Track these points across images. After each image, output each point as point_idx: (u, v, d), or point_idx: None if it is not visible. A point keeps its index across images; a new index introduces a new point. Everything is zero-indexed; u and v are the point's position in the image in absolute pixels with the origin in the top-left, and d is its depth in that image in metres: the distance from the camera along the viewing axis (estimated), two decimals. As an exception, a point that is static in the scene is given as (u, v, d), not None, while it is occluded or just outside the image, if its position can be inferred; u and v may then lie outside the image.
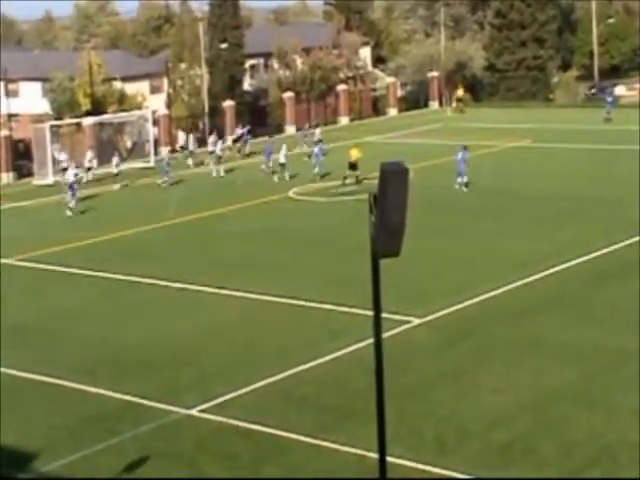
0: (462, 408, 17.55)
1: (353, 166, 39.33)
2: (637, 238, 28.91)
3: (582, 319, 22.27)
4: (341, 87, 65.98)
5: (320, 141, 46.89)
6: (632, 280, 25.03)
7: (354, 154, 39.60)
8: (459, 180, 37.60)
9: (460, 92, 66.92)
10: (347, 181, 39.41)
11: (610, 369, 19.19)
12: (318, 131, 50.08)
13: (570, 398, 17.87)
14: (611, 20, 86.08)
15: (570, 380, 18.68)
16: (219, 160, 45.35)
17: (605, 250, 27.92)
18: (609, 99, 55.09)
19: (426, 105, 70.44)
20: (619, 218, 31.78)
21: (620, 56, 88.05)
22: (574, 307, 23.22)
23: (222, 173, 44.81)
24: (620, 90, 73.41)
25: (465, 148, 38.02)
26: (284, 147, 42.97)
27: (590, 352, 20.13)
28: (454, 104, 65.96)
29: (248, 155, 50.14)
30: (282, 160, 42.41)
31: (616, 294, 24.03)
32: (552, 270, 26.15)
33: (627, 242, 28.65)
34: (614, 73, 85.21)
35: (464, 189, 37.20)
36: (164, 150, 54.18)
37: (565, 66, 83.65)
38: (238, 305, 24.80)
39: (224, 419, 17.55)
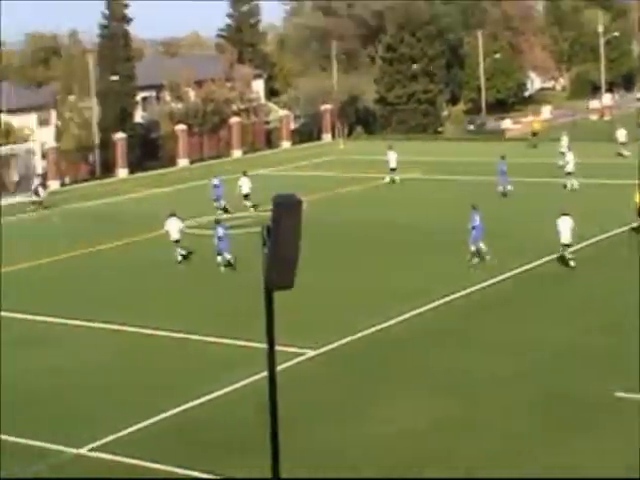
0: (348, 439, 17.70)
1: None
2: (524, 268, 29.80)
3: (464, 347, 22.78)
4: (234, 120, 66.08)
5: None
6: (508, 309, 25.86)
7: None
8: None
9: None
10: None
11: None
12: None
13: (454, 424, 18.22)
14: (497, 56, 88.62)
15: (449, 407, 19.06)
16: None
17: (488, 282, 28.55)
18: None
19: (319, 138, 71.13)
20: (505, 249, 32.56)
21: (506, 90, 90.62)
22: (457, 336, 23.74)
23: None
24: (506, 124, 75.64)
25: None
26: None
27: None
28: None
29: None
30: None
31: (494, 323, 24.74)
32: (438, 302, 26.59)
33: (517, 271, 29.45)
34: (500, 107, 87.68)
35: None
36: (53, 183, 53.40)
37: (454, 100, 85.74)
38: (121, 340, 24.55)
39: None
